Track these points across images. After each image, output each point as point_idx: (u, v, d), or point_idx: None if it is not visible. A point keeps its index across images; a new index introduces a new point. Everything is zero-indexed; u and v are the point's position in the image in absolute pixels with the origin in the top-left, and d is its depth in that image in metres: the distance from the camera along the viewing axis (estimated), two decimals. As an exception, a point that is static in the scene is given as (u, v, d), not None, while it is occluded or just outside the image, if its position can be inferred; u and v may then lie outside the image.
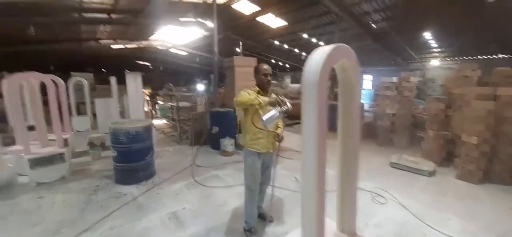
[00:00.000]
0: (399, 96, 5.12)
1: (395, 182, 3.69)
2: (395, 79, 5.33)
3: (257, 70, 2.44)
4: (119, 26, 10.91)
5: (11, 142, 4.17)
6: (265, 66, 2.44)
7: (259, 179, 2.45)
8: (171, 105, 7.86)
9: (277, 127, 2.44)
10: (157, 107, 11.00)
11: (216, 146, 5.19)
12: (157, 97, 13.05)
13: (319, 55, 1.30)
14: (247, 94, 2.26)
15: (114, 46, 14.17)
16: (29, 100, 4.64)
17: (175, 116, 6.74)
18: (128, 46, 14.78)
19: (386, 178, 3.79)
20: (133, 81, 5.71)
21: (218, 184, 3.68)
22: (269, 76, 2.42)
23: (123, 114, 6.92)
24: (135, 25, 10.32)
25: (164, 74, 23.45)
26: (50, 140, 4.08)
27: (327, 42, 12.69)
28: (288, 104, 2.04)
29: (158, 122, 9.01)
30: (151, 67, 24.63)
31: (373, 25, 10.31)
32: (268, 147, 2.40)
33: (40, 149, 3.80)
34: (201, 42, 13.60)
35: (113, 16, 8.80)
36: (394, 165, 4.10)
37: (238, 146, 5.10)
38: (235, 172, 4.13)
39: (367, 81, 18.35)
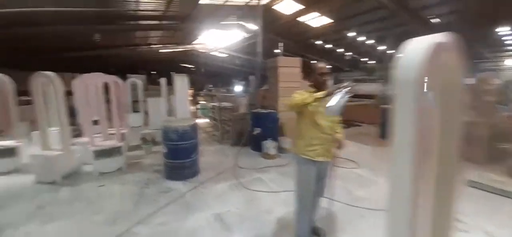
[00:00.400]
0: (476, 101, 4.28)
1: (476, 205, 3.03)
2: (471, 81, 4.46)
3: (312, 70, 2.22)
4: (168, 32, 11.71)
5: (78, 134, 4.71)
6: (321, 65, 2.21)
7: (312, 190, 2.21)
8: (213, 105, 8.07)
9: (335, 132, 2.18)
10: (198, 106, 11.51)
11: (257, 147, 5.08)
12: (198, 97, 13.66)
13: (418, 47, 1.02)
14: (299, 95, 2.06)
15: (163, 50, 15.41)
16: (95, 98, 5.19)
17: (217, 116, 6.88)
18: (175, 50, 15.93)
19: (464, 200, 3.15)
20: (181, 82, 5.99)
21: (262, 188, 3.54)
22: (325, 75, 2.18)
23: (170, 112, 7.34)
24: (181, 30, 10.97)
25: (204, 75, 24.64)
26: (110, 134, 4.49)
27: (377, 40, 11.53)
28: (351, 85, 1.80)
29: (200, 121, 9.35)
30: (193, 69, 26.20)
31: (433, 20, 9.09)
32: (325, 154, 2.14)
33: (103, 142, 4.18)
34: (240, 44, 13.85)
35: (164, 22, 9.50)
36: (473, 184, 3.40)
37: (281, 149, 4.90)
38: (279, 176, 3.94)
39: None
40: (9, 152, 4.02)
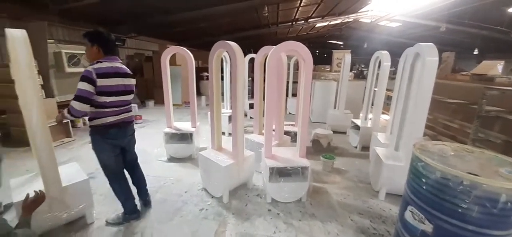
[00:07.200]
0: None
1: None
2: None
3: None
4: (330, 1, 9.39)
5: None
6: None
7: None
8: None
9: None
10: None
11: None
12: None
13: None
14: None
15: (320, 24, 13.52)
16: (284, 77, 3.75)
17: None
18: (331, 23, 13.59)
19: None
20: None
21: None
22: None
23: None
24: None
25: (357, 52, 20.57)
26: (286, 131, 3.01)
27: None
28: None
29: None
30: (342, 46, 22.86)
31: None
32: None
33: (281, 151, 2.73)
34: (435, 6, 9.03)
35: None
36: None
37: None
38: None
39: None
40: (186, 137, 3.51)
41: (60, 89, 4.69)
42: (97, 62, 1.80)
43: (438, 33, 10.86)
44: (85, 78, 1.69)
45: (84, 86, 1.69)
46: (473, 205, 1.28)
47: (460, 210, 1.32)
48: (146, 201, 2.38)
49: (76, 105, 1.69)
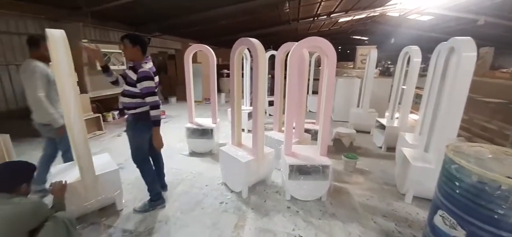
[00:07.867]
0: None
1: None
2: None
3: None
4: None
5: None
6: None
7: None
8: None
9: None
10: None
11: None
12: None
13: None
14: None
15: (343, 19, 13.04)
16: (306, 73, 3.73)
17: None
18: (355, 17, 13.04)
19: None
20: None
21: None
22: None
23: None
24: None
25: (382, 48, 19.53)
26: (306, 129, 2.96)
27: None
28: None
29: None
30: (366, 42, 21.85)
31: None
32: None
33: (300, 148, 2.70)
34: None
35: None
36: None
37: None
38: None
39: None
40: (207, 133, 3.61)
41: (92, 86, 5.04)
42: (145, 62, 2.06)
43: (474, 27, 9.95)
44: (150, 77, 1.98)
45: (151, 84, 2.00)
46: (510, 211, 1.18)
47: (496, 216, 1.22)
48: (163, 184, 2.64)
49: (154, 98, 2.01)
